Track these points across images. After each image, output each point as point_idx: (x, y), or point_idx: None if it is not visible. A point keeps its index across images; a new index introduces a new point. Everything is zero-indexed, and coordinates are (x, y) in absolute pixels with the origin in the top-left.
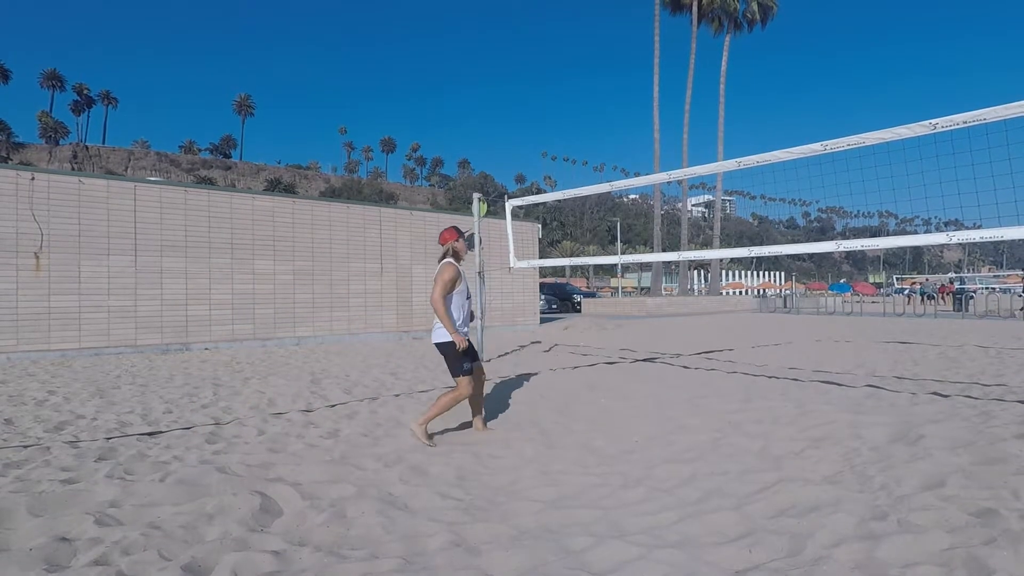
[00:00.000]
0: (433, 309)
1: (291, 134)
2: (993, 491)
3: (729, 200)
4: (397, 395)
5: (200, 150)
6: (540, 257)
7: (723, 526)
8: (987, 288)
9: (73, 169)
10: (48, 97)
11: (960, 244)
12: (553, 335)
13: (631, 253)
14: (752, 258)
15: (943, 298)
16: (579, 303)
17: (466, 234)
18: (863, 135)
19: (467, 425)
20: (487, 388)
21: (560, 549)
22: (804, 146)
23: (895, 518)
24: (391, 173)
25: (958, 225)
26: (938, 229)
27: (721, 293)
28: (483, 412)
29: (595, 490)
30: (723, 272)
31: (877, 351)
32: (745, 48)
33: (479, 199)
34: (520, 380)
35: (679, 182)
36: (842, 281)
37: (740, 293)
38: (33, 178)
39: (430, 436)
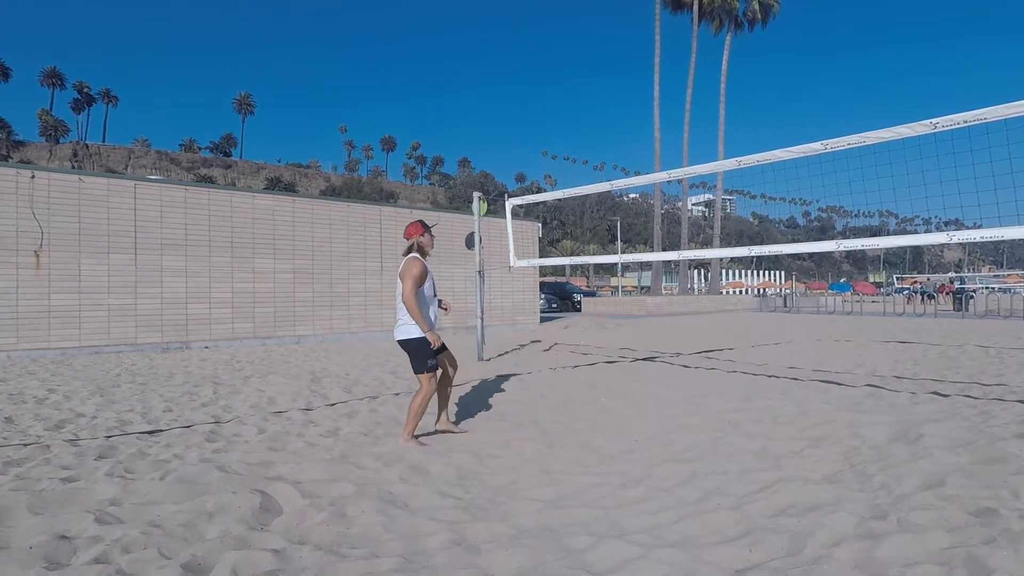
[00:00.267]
0: (405, 307)
1: (291, 133)
2: (993, 490)
3: (729, 199)
4: (397, 394)
5: (200, 148)
6: (540, 256)
7: (723, 525)
8: (987, 288)
9: (73, 167)
10: (48, 95)
11: (960, 244)
12: (553, 334)
13: (631, 252)
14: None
15: (943, 298)
16: (579, 302)
17: (432, 228)
18: (863, 134)
19: (467, 424)
20: (486, 388)
21: (560, 548)
22: (804, 145)
23: (895, 517)
24: (391, 172)
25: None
26: (938, 229)
27: (721, 292)
28: (448, 407)
29: (595, 489)
30: (723, 271)
31: (877, 350)
32: (746, 47)
33: (479, 198)
34: (520, 379)
35: (679, 181)
36: (842, 280)
37: (740, 292)
38: (33, 176)
39: (419, 439)
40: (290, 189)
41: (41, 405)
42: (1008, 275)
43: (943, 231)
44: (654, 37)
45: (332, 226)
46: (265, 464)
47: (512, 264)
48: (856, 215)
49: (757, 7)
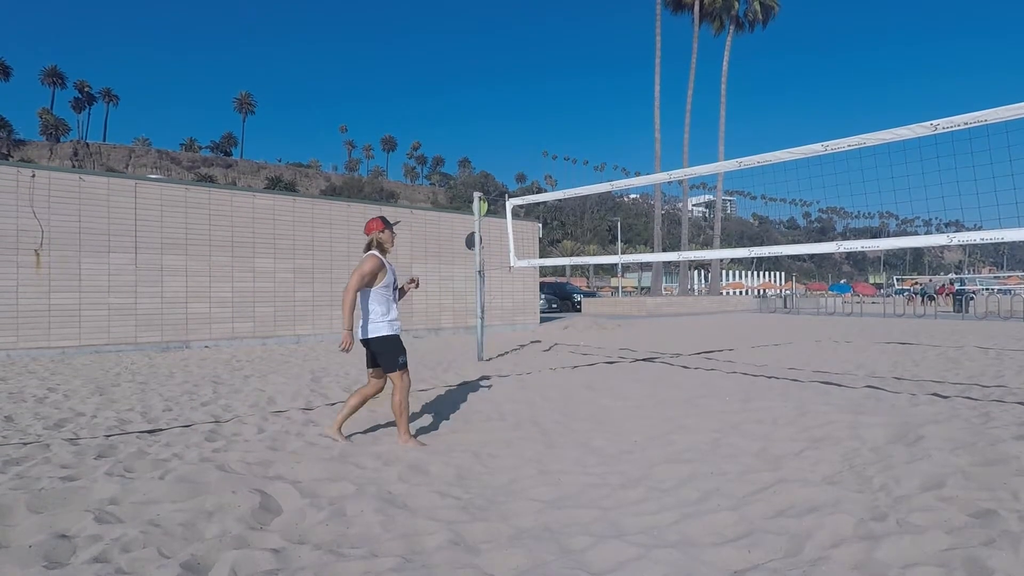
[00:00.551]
0: (343, 300)
1: (292, 132)
2: (992, 492)
3: (730, 200)
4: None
5: (201, 148)
6: (540, 256)
7: (722, 526)
8: (987, 289)
9: (74, 166)
10: (49, 94)
11: (961, 245)
12: (553, 334)
13: (631, 253)
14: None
15: (943, 299)
16: (579, 302)
17: (393, 224)
18: (864, 136)
19: (467, 424)
20: (486, 388)
21: (559, 549)
22: (805, 146)
23: (894, 519)
24: (392, 172)
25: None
26: (939, 230)
27: (721, 293)
28: (346, 420)
29: (594, 490)
30: (723, 272)
31: (877, 352)
32: (746, 48)
33: (480, 198)
34: (520, 379)
35: (680, 182)
36: (842, 282)
37: (740, 293)
38: (34, 175)
39: (416, 437)
40: (290, 189)
41: (41, 404)
42: (1008, 276)
43: (943, 233)
44: (655, 38)
45: (332, 226)
46: (265, 463)
47: (512, 264)
48: (856, 216)
49: (758, 8)
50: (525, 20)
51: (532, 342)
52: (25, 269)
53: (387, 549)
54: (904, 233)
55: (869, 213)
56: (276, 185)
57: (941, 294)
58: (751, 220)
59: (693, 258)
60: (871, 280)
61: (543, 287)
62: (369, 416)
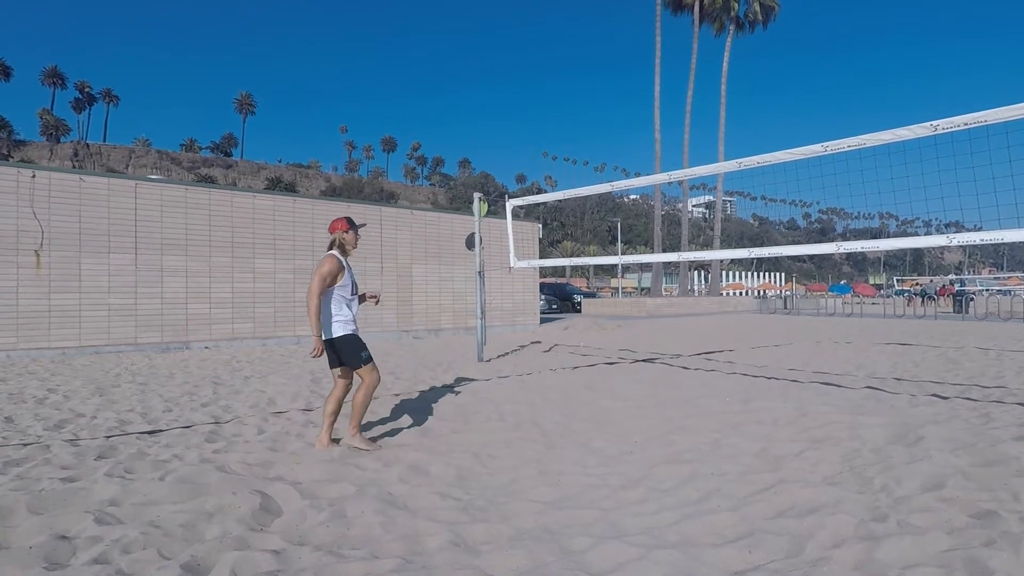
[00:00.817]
0: (306, 302)
1: (292, 133)
2: (993, 493)
3: (730, 201)
4: (397, 394)
5: (201, 148)
6: (540, 257)
7: (722, 527)
8: (987, 290)
9: (74, 167)
10: (49, 94)
11: (960, 246)
12: (553, 335)
13: (631, 253)
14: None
15: (943, 300)
16: (579, 303)
17: (359, 226)
18: (864, 136)
19: (467, 425)
20: (486, 389)
21: (559, 549)
22: (805, 147)
23: (895, 519)
24: (392, 172)
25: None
26: (939, 231)
27: (721, 294)
28: (332, 428)
29: (595, 490)
30: (723, 273)
31: (877, 352)
32: (747, 48)
33: (480, 199)
34: (520, 380)
35: (680, 183)
36: (842, 282)
37: (740, 294)
38: (34, 176)
39: (372, 440)
40: (291, 189)
41: (41, 405)
42: (1008, 277)
43: (943, 233)
44: (655, 38)
45: None
46: (265, 464)
47: (512, 265)
48: (856, 217)
49: (758, 8)
50: (525, 20)
51: (532, 343)
52: (25, 270)
53: (388, 550)
54: (904, 234)
55: (869, 214)
56: (276, 186)
57: (942, 295)
58: (751, 221)
59: (693, 259)
60: (871, 281)
61: (543, 288)
62: (369, 416)
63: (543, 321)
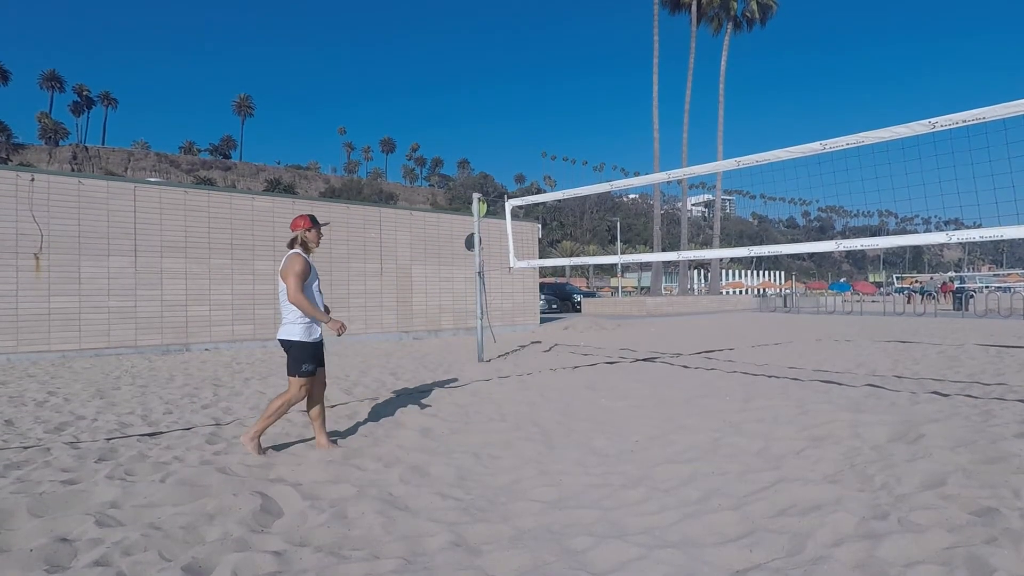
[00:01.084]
0: (296, 306)
1: (291, 134)
2: (994, 490)
3: (729, 199)
4: (397, 395)
5: (200, 151)
6: (540, 257)
7: (723, 526)
8: (987, 287)
9: (73, 170)
10: (48, 98)
11: (960, 243)
12: (553, 335)
13: (631, 253)
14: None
15: (943, 297)
16: (579, 303)
17: (322, 225)
18: (862, 134)
19: (468, 425)
20: (487, 389)
21: (561, 549)
22: (803, 145)
23: (896, 517)
24: (391, 173)
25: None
26: (938, 228)
27: (721, 293)
28: (325, 426)
29: (595, 490)
30: (723, 272)
31: (877, 350)
32: (745, 47)
33: (479, 199)
34: (520, 380)
35: (679, 182)
36: (842, 280)
37: (740, 292)
38: (33, 179)
39: (263, 449)
40: (290, 191)
41: (41, 408)
42: (1008, 274)
43: (943, 231)
44: (653, 38)
45: (332, 227)
46: (265, 466)
47: (512, 265)
48: (855, 215)
49: (756, 7)
50: (523, 20)
51: (532, 343)
52: (25, 273)
53: (389, 551)
54: (903, 231)
55: (868, 212)
56: (275, 187)
57: (943, 292)
58: (750, 219)
59: (692, 258)
60: (871, 279)
61: (543, 288)
62: (370, 417)
63: (543, 321)
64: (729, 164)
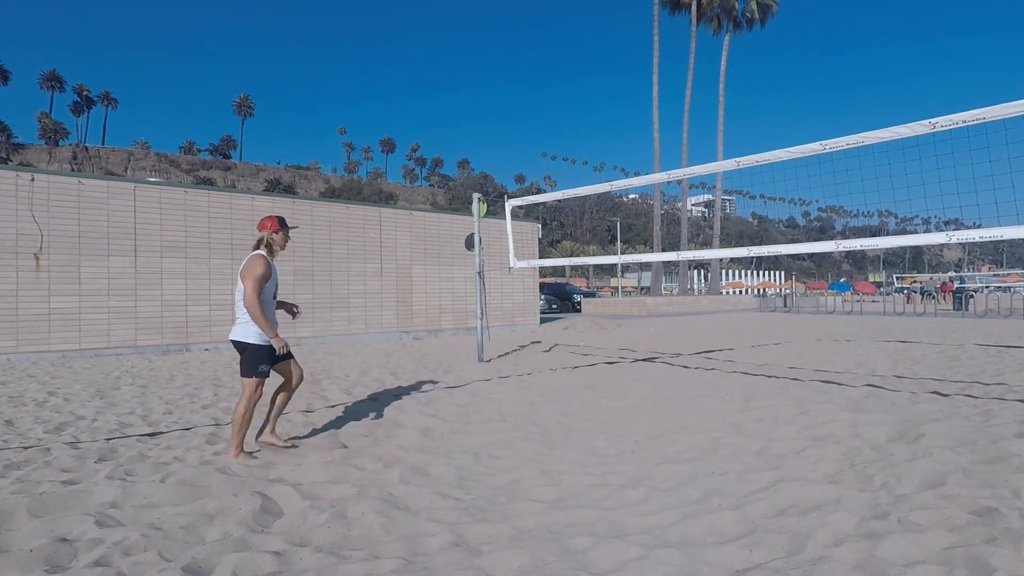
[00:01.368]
0: (248, 311)
1: (291, 134)
2: (994, 490)
3: (729, 200)
4: (397, 395)
5: (200, 151)
6: (540, 257)
7: (723, 526)
8: (987, 287)
9: (73, 170)
10: (48, 98)
11: (960, 243)
12: (553, 335)
13: (631, 253)
14: (752, 258)
15: (943, 297)
16: (579, 303)
17: (290, 228)
18: (862, 134)
19: (468, 425)
20: (487, 389)
21: (561, 549)
22: (803, 145)
23: (896, 517)
24: (391, 173)
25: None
26: (938, 228)
27: (721, 293)
28: (279, 419)
29: (595, 490)
30: (723, 272)
31: (877, 350)
32: (745, 47)
33: (479, 199)
34: (520, 380)
35: (679, 182)
36: (842, 280)
37: (740, 292)
38: (33, 179)
39: (250, 453)
40: (290, 191)
41: (41, 408)
42: (1008, 274)
43: (943, 231)
44: (653, 38)
45: (332, 228)
46: (266, 466)
47: (512, 265)
48: (855, 215)
49: (755, 7)
50: (523, 21)
51: (532, 343)
52: (25, 273)
53: (389, 551)
54: (903, 231)
55: (868, 212)
56: (275, 187)
57: (943, 292)
58: (750, 219)
59: (692, 258)
60: (871, 279)
61: (543, 288)
62: (370, 417)
63: (543, 321)
64: (729, 164)
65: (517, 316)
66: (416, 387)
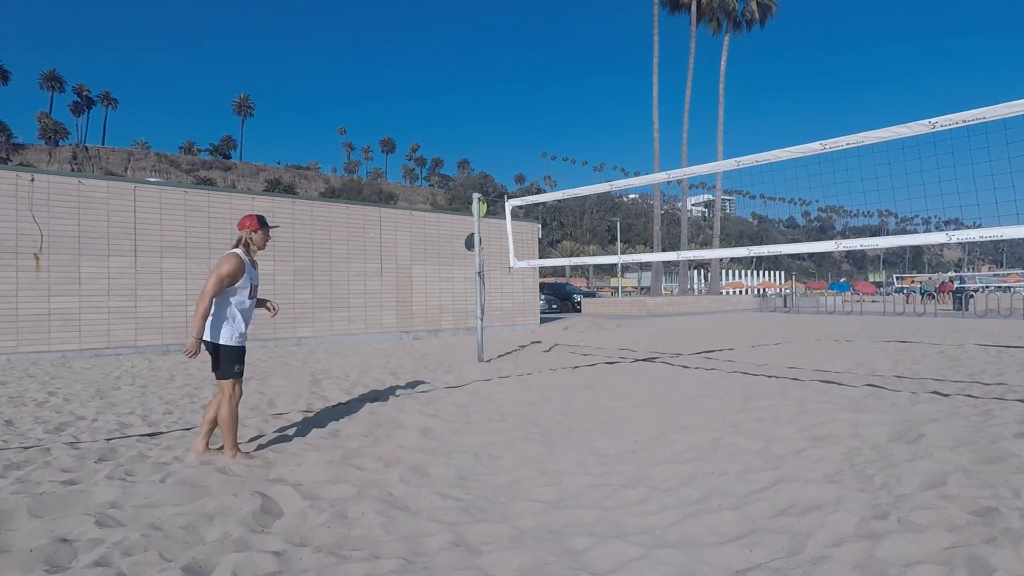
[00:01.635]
0: (198, 303)
1: (291, 134)
2: (994, 490)
3: (729, 200)
4: (397, 395)
5: (200, 151)
6: (540, 257)
7: (723, 526)
8: (987, 287)
9: (73, 170)
10: (48, 98)
11: (960, 243)
12: (553, 335)
13: (631, 253)
14: (752, 258)
15: (943, 297)
16: (579, 303)
17: (271, 228)
18: (862, 134)
19: (468, 425)
20: (487, 389)
21: (561, 549)
22: (803, 145)
23: (896, 517)
24: (391, 173)
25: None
26: (938, 228)
27: (721, 292)
28: (213, 427)
29: (595, 490)
30: (723, 272)
31: (877, 350)
32: (745, 47)
33: (479, 199)
34: (520, 380)
35: (679, 182)
36: (842, 280)
37: (740, 292)
38: (33, 179)
39: (247, 454)
40: (290, 191)
41: (41, 408)
42: (1008, 274)
43: (942, 231)
44: (653, 38)
45: (331, 228)
46: (266, 466)
47: (512, 265)
48: (855, 215)
49: (755, 7)
50: (523, 20)
51: (532, 343)
52: (25, 273)
53: (389, 551)
54: (903, 231)
55: (868, 212)
56: (275, 187)
57: (943, 291)
58: (750, 219)
59: (692, 258)
60: (871, 279)
61: (543, 288)
62: (370, 417)
63: (543, 321)
64: (729, 164)
65: (517, 316)
66: (416, 387)
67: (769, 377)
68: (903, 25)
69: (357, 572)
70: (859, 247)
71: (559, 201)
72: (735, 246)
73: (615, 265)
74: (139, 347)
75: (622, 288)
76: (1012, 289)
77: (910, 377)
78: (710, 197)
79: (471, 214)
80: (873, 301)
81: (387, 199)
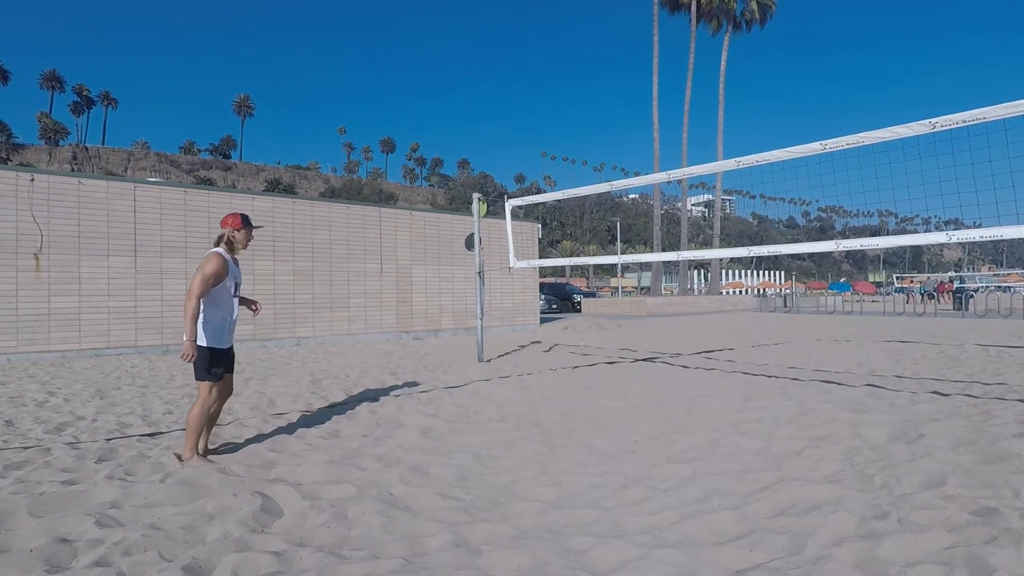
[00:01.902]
0: (185, 304)
1: (291, 134)
2: (994, 490)
3: (729, 199)
4: (397, 395)
5: (200, 151)
6: (540, 257)
7: (723, 526)
8: (987, 287)
9: (73, 170)
10: (48, 98)
11: (960, 243)
12: (553, 335)
13: (631, 253)
14: (752, 258)
15: (943, 297)
16: (579, 303)
17: (254, 227)
18: (862, 134)
19: (468, 425)
20: (487, 389)
21: (561, 549)
22: (803, 145)
23: (896, 517)
24: (391, 173)
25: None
26: (938, 228)
27: (721, 292)
28: (210, 427)
29: (595, 490)
30: (723, 271)
31: (877, 350)
32: (744, 47)
33: (479, 199)
34: (520, 380)
35: (679, 182)
36: (842, 280)
37: (740, 292)
38: (33, 179)
39: (205, 454)
40: (290, 191)
41: (41, 408)
42: (1008, 274)
43: (942, 231)
44: (653, 38)
45: (332, 228)
46: (265, 466)
47: (512, 265)
48: (855, 215)
49: (755, 7)
50: (524, 20)
51: (532, 343)
52: (25, 273)
53: (389, 551)
54: (903, 231)
55: (868, 212)
56: (275, 187)
57: (941, 291)
58: (750, 219)
59: (692, 258)
60: (871, 279)
61: (543, 288)
62: (370, 417)
63: (543, 321)
64: (729, 164)
65: (517, 316)
66: (416, 387)
67: (769, 377)
68: (903, 25)
69: (357, 572)
70: (859, 247)
71: (559, 201)
72: (735, 246)
73: (615, 265)
74: (139, 347)
75: (622, 288)
76: (1012, 289)
77: (910, 377)
78: (710, 197)
79: (471, 214)
80: (873, 301)
81: (387, 199)
